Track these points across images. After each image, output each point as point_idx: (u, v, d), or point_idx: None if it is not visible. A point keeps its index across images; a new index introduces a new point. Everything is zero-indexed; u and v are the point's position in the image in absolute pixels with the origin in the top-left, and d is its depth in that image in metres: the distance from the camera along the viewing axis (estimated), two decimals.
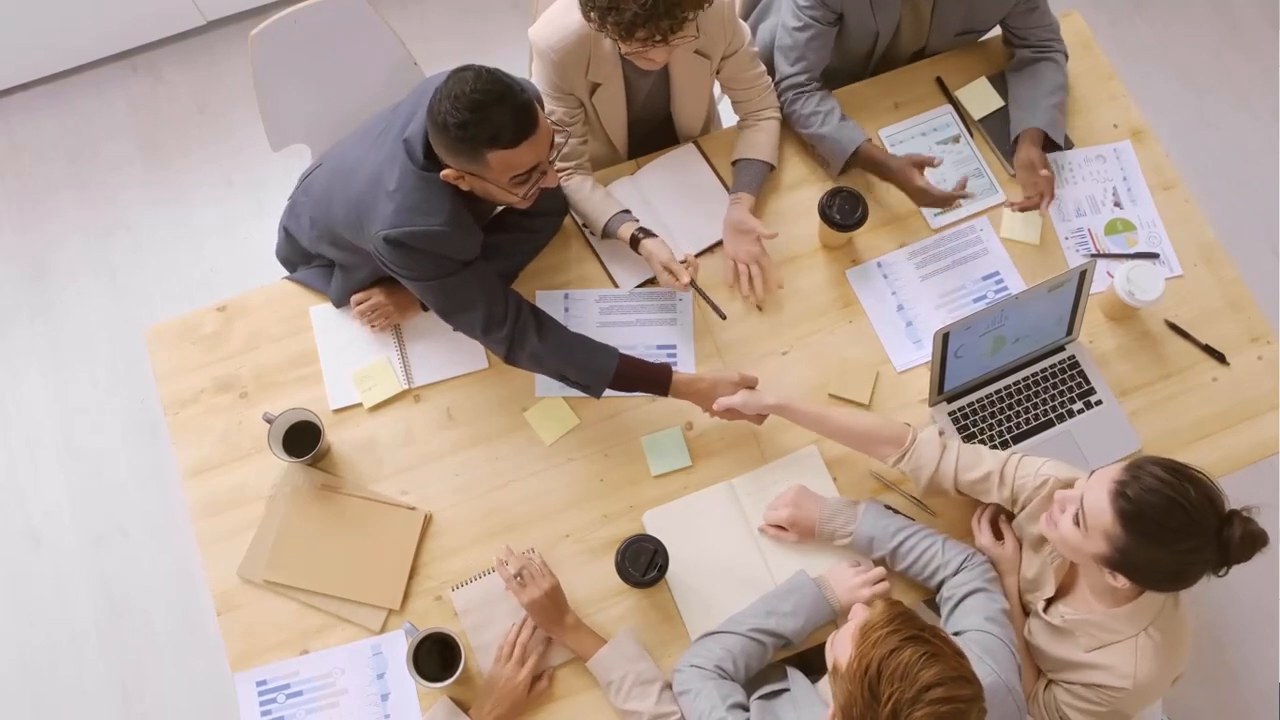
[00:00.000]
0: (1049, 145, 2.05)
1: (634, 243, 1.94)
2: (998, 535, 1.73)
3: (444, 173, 1.61)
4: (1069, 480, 1.60)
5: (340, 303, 1.98)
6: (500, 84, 1.51)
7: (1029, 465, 1.65)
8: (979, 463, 1.68)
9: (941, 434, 1.71)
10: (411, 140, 1.63)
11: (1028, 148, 2.00)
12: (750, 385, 1.84)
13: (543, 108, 1.59)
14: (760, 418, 1.83)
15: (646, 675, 1.65)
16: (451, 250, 1.69)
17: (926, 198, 1.93)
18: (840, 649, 1.29)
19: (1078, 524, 1.45)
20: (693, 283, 1.90)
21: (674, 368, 1.92)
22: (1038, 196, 1.95)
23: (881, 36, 2.06)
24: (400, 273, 1.71)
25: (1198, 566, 1.39)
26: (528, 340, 1.76)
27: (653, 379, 1.82)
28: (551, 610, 1.70)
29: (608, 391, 1.82)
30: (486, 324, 1.75)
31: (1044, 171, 1.95)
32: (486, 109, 1.49)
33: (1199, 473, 1.40)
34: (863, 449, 1.77)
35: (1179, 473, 1.38)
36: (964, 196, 1.97)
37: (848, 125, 2.02)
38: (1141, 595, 1.51)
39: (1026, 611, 1.70)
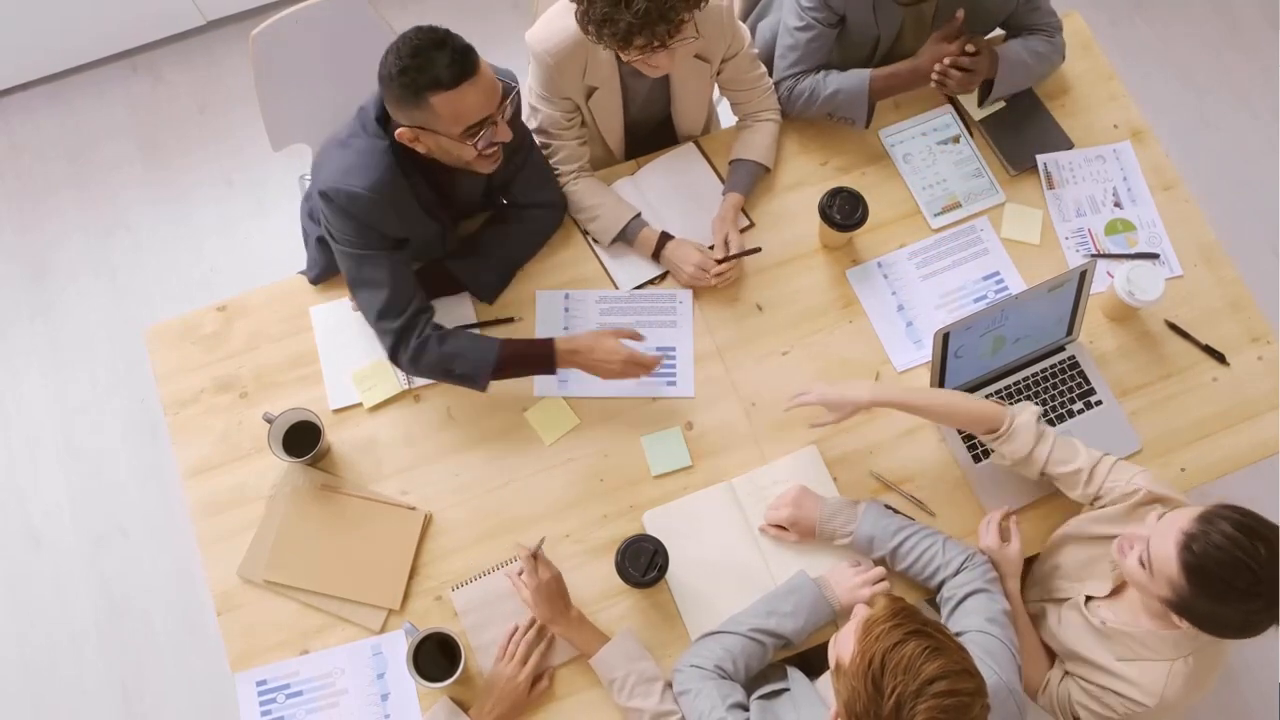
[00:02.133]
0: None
1: (659, 246, 1.97)
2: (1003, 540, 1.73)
3: (398, 131, 1.63)
4: (1162, 495, 1.58)
5: (317, 279, 1.99)
6: (440, 32, 1.56)
7: (1123, 471, 1.63)
8: (1072, 458, 1.66)
9: (1039, 420, 1.69)
10: (366, 107, 1.69)
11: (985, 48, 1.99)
12: (633, 337, 1.85)
13: (472, 48, 1.58)
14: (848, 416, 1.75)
15: (648, 674, 1.65)
16: (376, 222, 1.71)
17: (959, 75, 1.93)
18: (843, 646, 1.29)
19: (1143, 565, 1.43)
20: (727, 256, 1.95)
21: (665, 370, 1.93)
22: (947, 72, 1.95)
23: (883, 40, 2.06)
24: (330, 231, 1.74)
25: (1263, 623, 1.37)
26: (410, 341, 1.77)
27: (537, 357, 1.81)
28: (556, 601, 1.69)
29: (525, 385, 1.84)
30: (383, 311, 1.76)
31: (965, 47, 1.95)
32: (425, 53, 1.54)
33: (1272, 528, 1.37)
34: (960, 428, 1.75)
35: (1250, 530, 1.35)
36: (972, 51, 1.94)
37: (849, 74, 2.02)
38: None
39: (1029, 611, 1.70)
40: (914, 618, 1.25)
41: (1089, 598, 1.62)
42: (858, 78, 2.01)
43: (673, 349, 1.96)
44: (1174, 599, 1.40)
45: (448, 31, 1.56)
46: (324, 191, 1.68)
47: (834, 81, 2.02)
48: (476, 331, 1.85)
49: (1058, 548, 1.74)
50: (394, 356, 1.80)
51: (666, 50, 1.69)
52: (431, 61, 1.53)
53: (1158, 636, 1.52)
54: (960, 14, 1.95)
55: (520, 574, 1.70)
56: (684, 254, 1.96)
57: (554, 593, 1.69)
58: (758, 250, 1.97)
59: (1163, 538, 1.40)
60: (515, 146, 1.85)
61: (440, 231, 1.88)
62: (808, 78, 2.05)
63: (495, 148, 1.68)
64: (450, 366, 1.79)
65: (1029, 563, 1.81)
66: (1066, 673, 1.65)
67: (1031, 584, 1.80)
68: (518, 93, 1.67)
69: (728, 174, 2.05)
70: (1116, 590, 1.61)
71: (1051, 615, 1.69)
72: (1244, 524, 1.36)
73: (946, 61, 1.94)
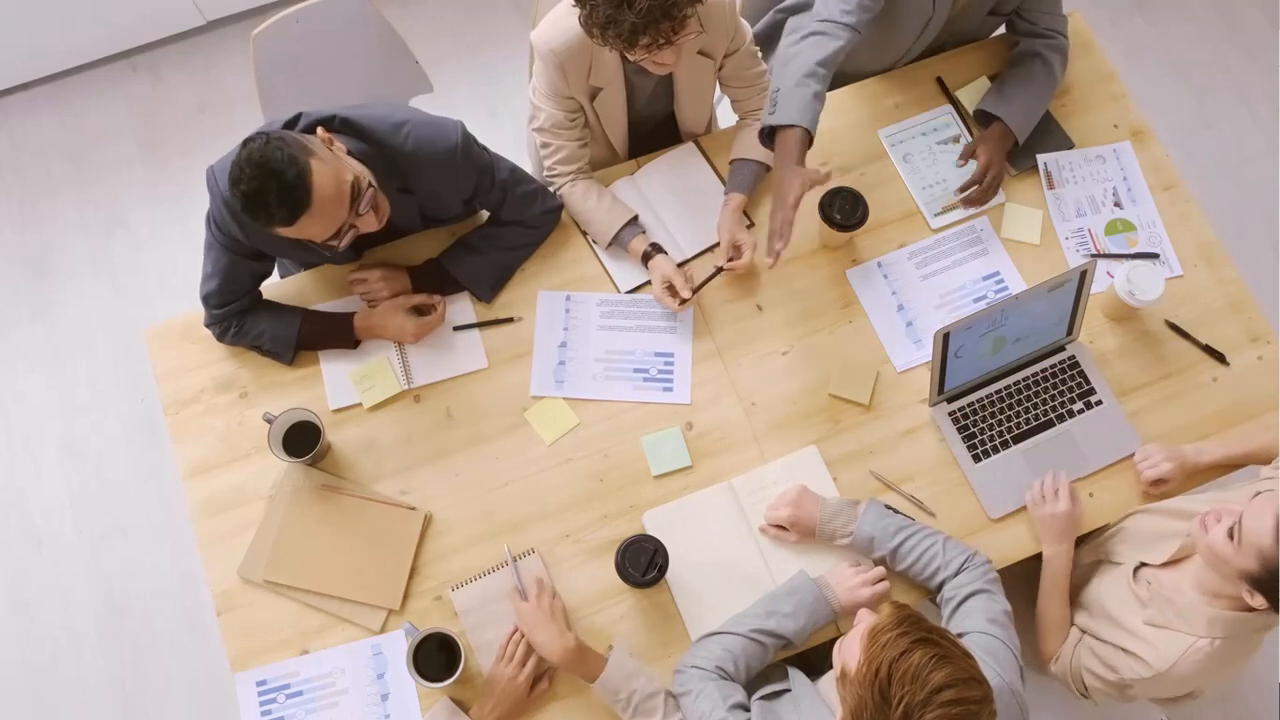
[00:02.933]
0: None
1: (645, 258, 1.96)
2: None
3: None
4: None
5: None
6: (264, 170, 1.50)
7: None
8: None
9: None
10: (305, 116, 1.69)
11: (990, 140, 2.01)
12: (426, 306, 1.93)
13: (307, 172, 1.52)
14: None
15: (648, 689, 1.63)
16: (226, 223, 1.75)
17: (779, 212, 1.75)
18: (848, 653, 1.28)
19: (1231, 537, 1.44)
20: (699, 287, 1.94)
21: (662, 376, 1.93)
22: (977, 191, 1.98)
23: (934, 21, 2.03)
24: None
25: None
26: (216, 328, 1.92)
27: (336, 334, 1.92)
28: (548, 626, 1.65)
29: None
30: (208, 295, 1.86)
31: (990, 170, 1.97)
32: (256, 198, 1.51)
33: None
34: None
35: None
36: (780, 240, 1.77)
37: (802, 94, 1.75)
38: (1242, 615, 1.50)
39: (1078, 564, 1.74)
40: (919, 625, 1.25)
41: (1141, 564, 1.64)
42: (791, 112, 1.74)
43: (670, 354, 1.96)
44: (1260, 573, 1.41)
45: (275, 167, 1.49)
46: (206, 170, 1.74)
47: (790, 74, 1.77)
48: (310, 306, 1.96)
49: (1130, 516, 1.77)
50: (208, 327, 1.93)
51: (672, 47, 1.69)
52: (264, 206, 1.51)
53: (1197, 610, 1.53)
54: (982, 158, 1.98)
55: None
56: (655, 281, 1.95)
57: (542, 621, 1.65)
58: (718, 271, 1.94)
59: (1259, 513, 1.41)
60: (484, 189, 1.87)
61: (337, 255, 1.90)
62: (807, 33, 1.83)
63: (358, 233, 1.67)
64: (258, 343, 1.92)
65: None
66: (1082, 636, 1.67)
67: (1089, 546, 1.83)
68: (371, 184, 1.64)
69: (729, 174, 2.05)
70: (1172, 562, 1.62)
71: (1098, 573, 1.70)
72: None
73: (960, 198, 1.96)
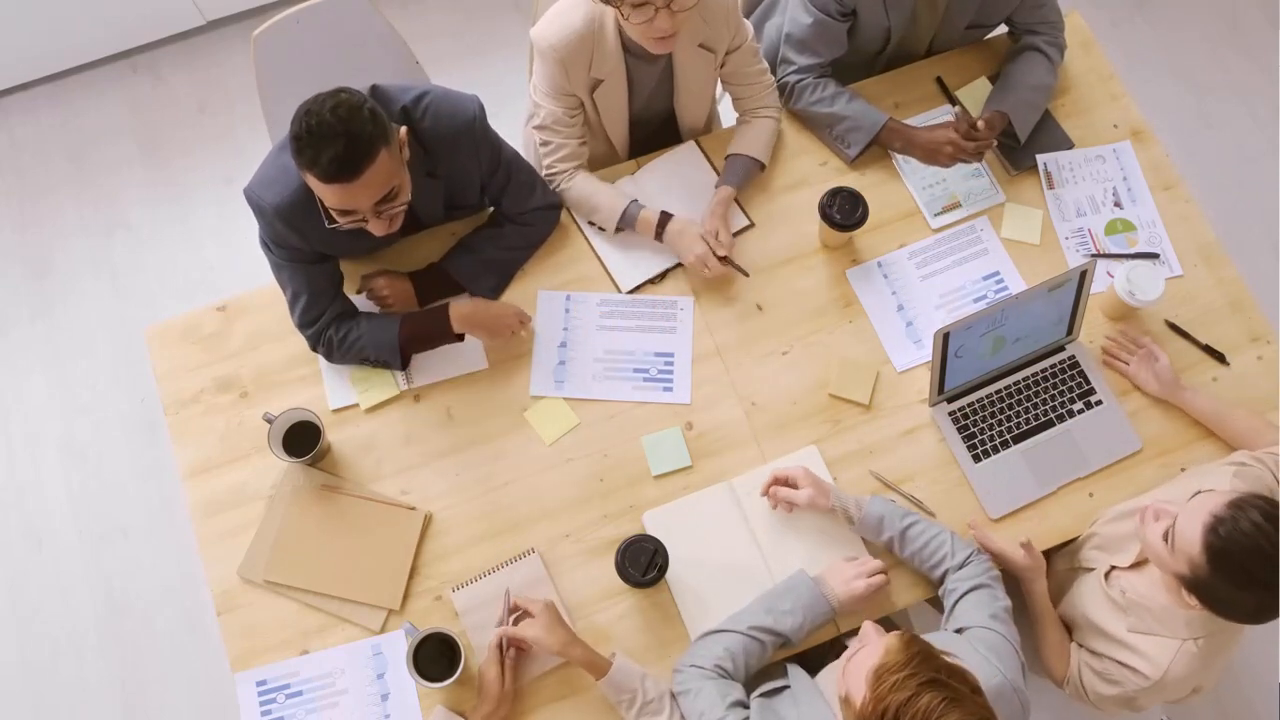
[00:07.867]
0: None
1: (659, 226, 1.95)
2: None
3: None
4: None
5: None
6: (344, 124, 1.48)
7: None
8: None
9: None
10: None
11: (989, 120, 2.01)
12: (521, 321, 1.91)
13: (375, 153, 1.52)
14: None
15: (655, 690, 1.63)
16: (283, 236, 1.73)
17: (963, 149, 1.97)
18: (853, 684, 1.27)
19: (1166, 539, 1.45)
20: (724, 258, 1.95)
21: (662, 376, 1.93)
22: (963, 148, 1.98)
23: (894, 32, 2.06)
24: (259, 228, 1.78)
25: (1274, 613, 1.38)
26: (319, 346, 1.89)
27: (437, 332, 1.89)
28: (560, 628, 1.66)
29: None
30: (297, 317, 1.85)
31: (978, 136, 1.98)
32: (316, 138, 1.48)
33: None
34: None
35: (1278, 520, 1.36)
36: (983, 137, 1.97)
37: (868, 106, 2.06)
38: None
39: (1057, 578, 1.74)
40: (928, 663, 1.23)
41: (1112, 568, 1.64)
42: (874, 117, 2.04)
43: (671, 354, 1.96)
44: (1190, 577, 1.42)
45: (354, 129, 1.48)
46: (246, 196, 1.71)
47: (853, 106, 2.04)
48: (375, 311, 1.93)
49: (1099, 520, 1.77)
50: (314, 350, 1.90)
51: (669, 11, 1.67)
52: (318, 151, 1.48)
53: (1172, 613, 1.53)
54: (982, 122, 1.99)
55: (513, 619, 1.69)
56: (686, 243, 1.95)
57: (555, 620, 1.67)
58: (746, 275, 1.98)
59: (1191, 517, 1.41)
60: (491, 170, 1.86)
61: (377, 243, 1.90)
62: (826, 84, 2.06)
63: (358, 226, 1.64)
64: (364, 356, 1.88)
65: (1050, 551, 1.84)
66: (1080, 654, 1.68)
67: (1063, 554, 1.83)
68: (406, 204, 1.63)
69: (722, 168, 2.05)
70: (1139, 563, 1.63)
71: (1075, 584, 1.71)
72: (1273, 514, 1.37)
73: (953, 136, 1.96)
